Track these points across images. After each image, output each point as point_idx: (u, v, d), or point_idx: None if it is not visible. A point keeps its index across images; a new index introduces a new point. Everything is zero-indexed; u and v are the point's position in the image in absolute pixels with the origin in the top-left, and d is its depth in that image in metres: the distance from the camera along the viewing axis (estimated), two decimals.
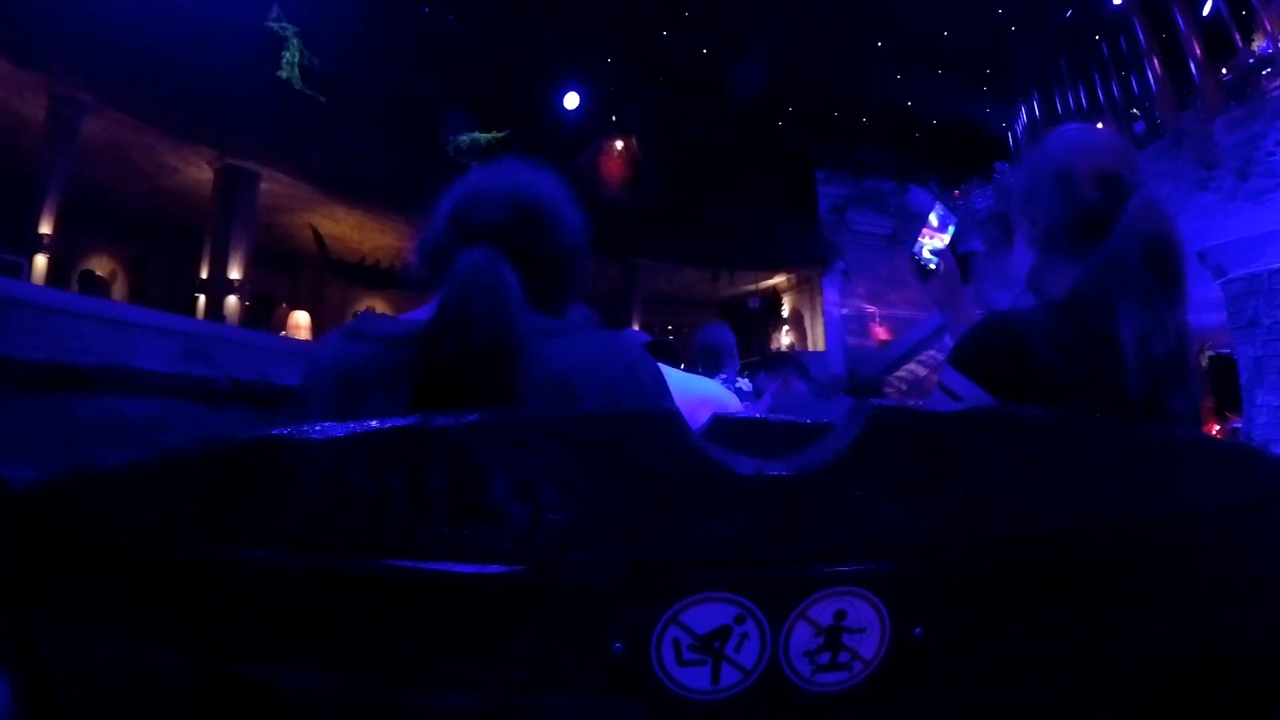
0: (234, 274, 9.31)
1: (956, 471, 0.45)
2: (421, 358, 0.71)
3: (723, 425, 0.53)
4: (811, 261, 15.99)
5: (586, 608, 0.48)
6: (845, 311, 16.02)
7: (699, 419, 0.52)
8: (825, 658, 0.45)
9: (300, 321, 10.97)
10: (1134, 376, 0.81)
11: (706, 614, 0.46)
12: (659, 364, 0.87)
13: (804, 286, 16.61)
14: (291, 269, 12.20)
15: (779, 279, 16.68)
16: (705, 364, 2.89)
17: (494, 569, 0.47)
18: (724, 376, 2.83)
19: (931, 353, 12.21)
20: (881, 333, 15.86)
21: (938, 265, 1.20)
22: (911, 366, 13.59)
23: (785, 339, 16.12)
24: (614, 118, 14.55)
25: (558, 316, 0.87)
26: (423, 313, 0.82)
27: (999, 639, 0.46)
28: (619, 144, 14.75)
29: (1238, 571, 0.50)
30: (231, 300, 9.29)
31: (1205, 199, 8.17)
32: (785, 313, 17.08)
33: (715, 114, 15.17)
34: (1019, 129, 13.73)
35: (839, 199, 17.08)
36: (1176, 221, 0.89)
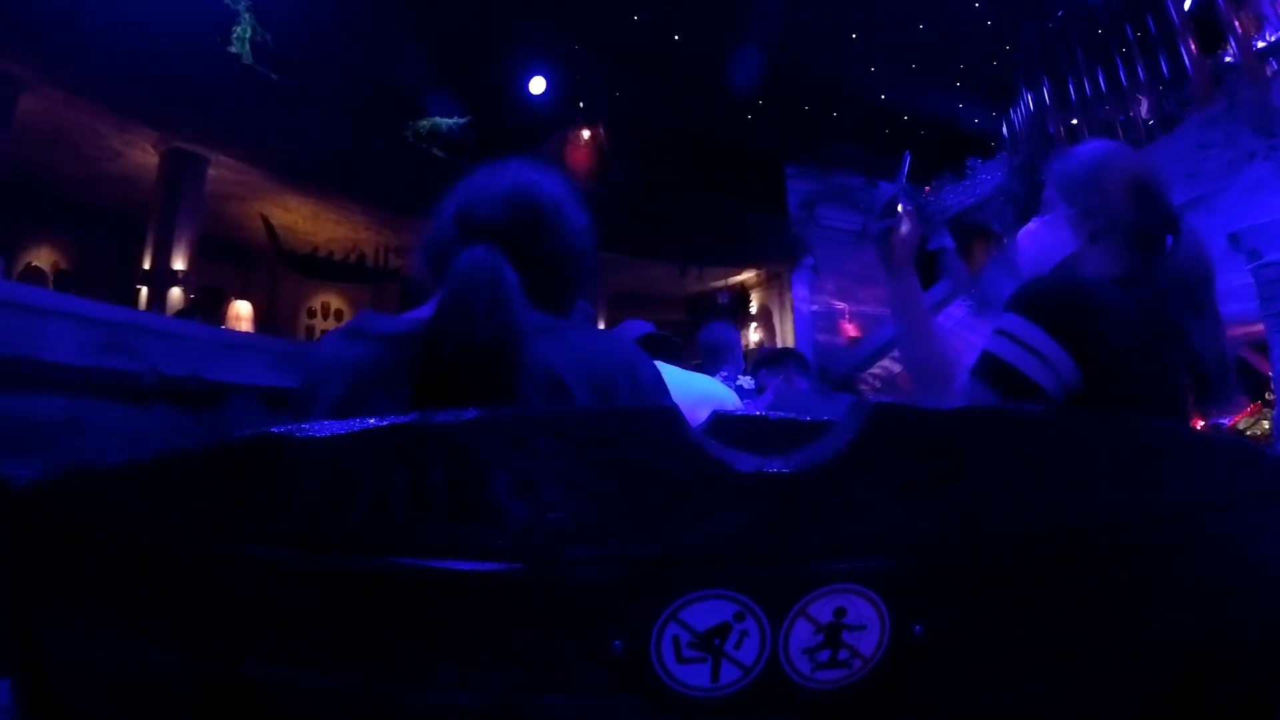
0: (178, 265, 9.03)
1: (957, 469, 0.47)
2: (421, 356, 0.73)
3: (722, 422, 0.55)
4: (780, 257, 16.12)
5: (586, 605, 0.48)
6: (815, 308, 16.22)
7: (699, 417, 0.53)
8: (825, 655, 0.47)
9: (242, 312, 10.62)
10: (1193, 381, 0.93)
11: (706, 611, 0.47)
12: (659, 360, 0.88)
13: (773, 283, 16.76)
14: (243, 262, 11.86)
15: (747, 275, 16.81)
16: (707, 361, 2.96)
17: (494, 567, 0.48)
18: (725, 374, 2.88)
19: (894, 355, 12.41)
20: (851, 330, 16.09)
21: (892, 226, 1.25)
22: (885, 363, 13.81)
23: (754, 336, 16.26)
24: (581, 104, 14.41)
25: (561, 316, 0.89)
26: (423, 311, 0.84)
27: (999, 637, 0.48)
28: (585, 133, 14.66)
29: (1239, 570, 0.53)
30: (175, 293, 9.01)
31: (1255, 172, 7.62)
32: (753, 309, 17.21)
33: (684, 105, 15.16)
34: (1018, 118, 13.85)
35: (808, 194, 17.27)
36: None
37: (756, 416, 0.55)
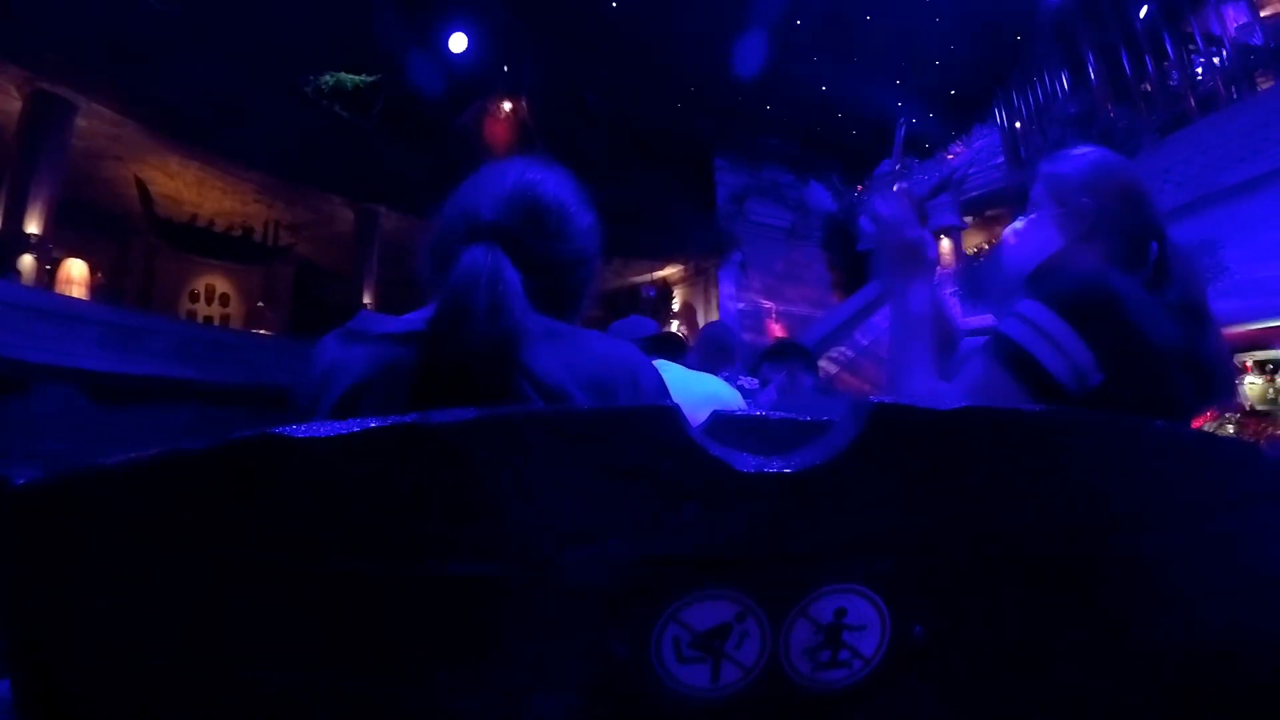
0: (32, 228, 8.33)
1: (957, 469, 0.51)
2: (420, 356, 0.76)
3: (723, 422, 0.57)
4: (707, 252, 16.31)
5: (586, 606, 0.51)
6: (741, 306, 16.54)
7: (701, 417, 0.56)
8: (825, 655, 0.50)
9: (74, 274, 9.66)
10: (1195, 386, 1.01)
11: (706, 612, 0.50)
12: (663, 359, 0.91)
13: (698, 279, 16.97)
14: (118, 235, 10.89)
15: (671, 270, 16.96)
16: (708, 361, 3.02)
17: (493, 568, 0.50)
18: (726, 374, 2.92)
19: (842, 349, 12.82)
20: (777, 330, 16.49)
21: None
22: (821, 363, 14.26)
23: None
24: (505, 68, 14.04)
25: (568, 320, 0.91)
26: (423, 312, 0.86)
27: (999, 637, 0.52)
28: (507, 105, 14.41)
29: (1239, 570, 0.58)
30: (27, 260, 8.29)
31: None
32: (676, 306, 17.39)
33: (614, 84, 15.11)
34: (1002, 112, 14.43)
35: (738, 188, 17.59)
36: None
37: (757, 416, 0.57)
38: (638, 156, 15.11)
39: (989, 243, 20.43)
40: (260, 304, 11.52)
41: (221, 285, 11.54)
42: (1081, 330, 0.95)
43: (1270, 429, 8.64)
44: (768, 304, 17.21)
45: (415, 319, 0.85)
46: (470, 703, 0.49)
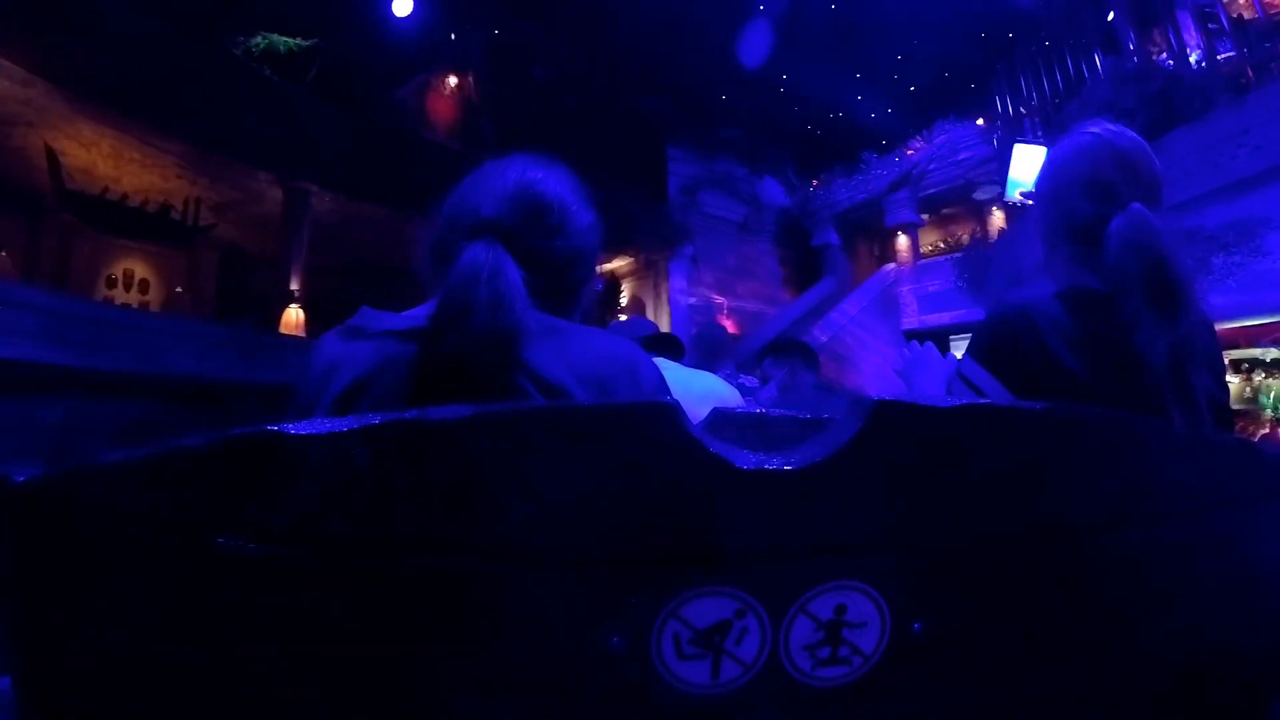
0: None
1: (957, 467, 0.54)
2: (421, 352, 0.79)
3: (723, 419, 0.59)
4: (658, 244, 16.28)
5: (586, 602, 0.52)
6: (692, 301, 16.63)
7: (701, 414, 0.58)
8: (825, 652, 0.53)
9: None
10: (1160, 388, 0.97)
11: (706, 608, 0.52)
12: (662, 358, 0.94)
13: (647, 272, 16.96)
14: (29, 215, 10.17)
15: (620, 262, 16.92)
16: (703, 359, 3.18)
17: (493, 564, 0.51)
18: (725, 373, 3.11)
19: None
20: (729, 326, 16.63)
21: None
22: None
23: None
24: (453, 35, 13.69)
25: (564, 316, 0.95)
26: (424, 308, 0.89)
27: (997, 634, 0.56)
28: (453, 80, 14.12)
29: (1237, 569, 0.63)
30: None
31: None
32: (624, 300, 17.37)
33: (565, 63, 14.97)
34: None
35: (690, 179, 17.67)
36: (1170, 237, 1.04)
37: (756, 413, 0.60)
38: (588, 142, 15.00)
39: (944, 241, 20.97)
40: (179, 289, 11.06)
41: (141, 270, 10.97)
42: (998, 374, 1.02)
43: (1251, 428, 8.86)
44: (719, 299, 17.35)
45: (417, 315, 0.88)
46: (471, 698, 0.51)
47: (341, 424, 0.51)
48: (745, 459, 0.54)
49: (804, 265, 20.96)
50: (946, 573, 0.54)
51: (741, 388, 2.97)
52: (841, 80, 17.62)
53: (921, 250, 19.89)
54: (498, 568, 0.52)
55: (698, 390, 2.01)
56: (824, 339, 13.12)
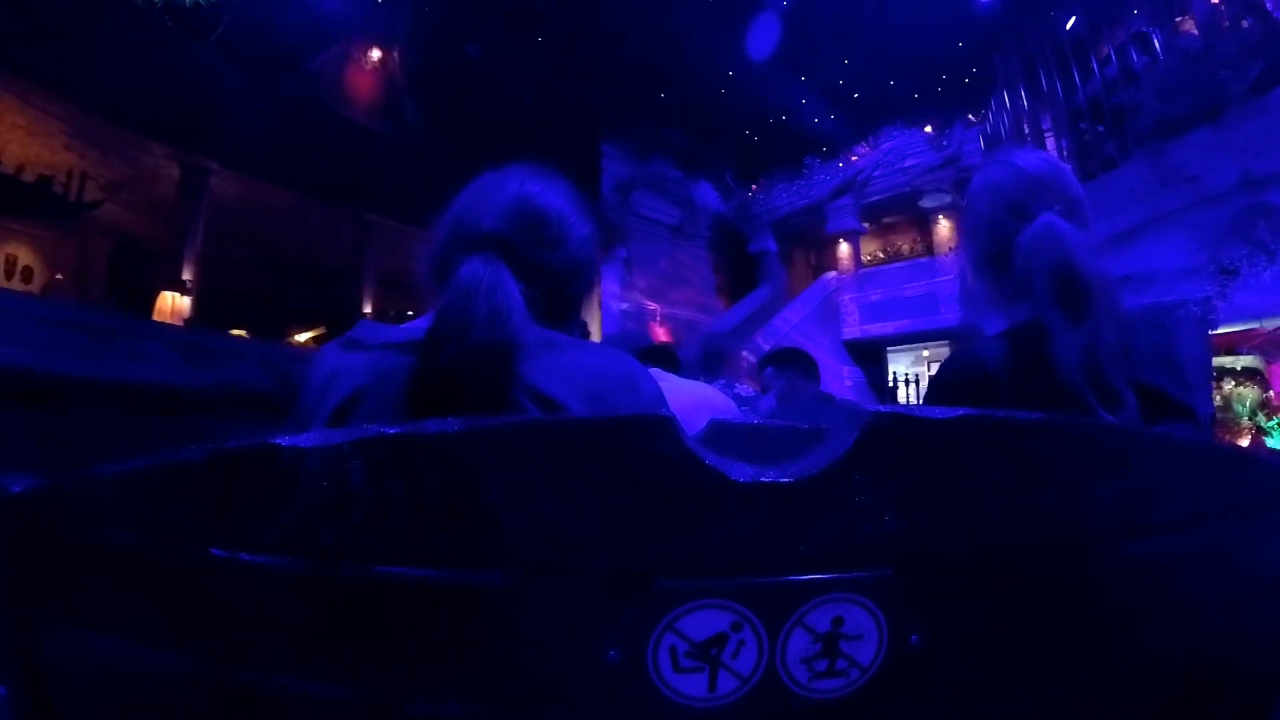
0: None
1: (954, 477, 0.58)
2: (418, 364, 0.83)
3: (720, 431, 0.62)
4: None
5: (582, 615, 0.55)
6: (625, 306, 16.72)
7: (696, 424, 0.61)
8: (822, 665, 0.56)
9: None
10: (1079, 390, 1.04)
11: (703, 621, 0.55)
12: (657, 369, 0.99)
13: None
14: None
15: None
16: (705, 369, 3.36)
17: (489, 576, 0.54)
18: (722, 382, 3.24)
19: (744, 354, 13.15)
20: (661, 334, 16.75)
21: None
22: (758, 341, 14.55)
23: None
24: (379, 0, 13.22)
25: (562, 328, 1.00)
26: (423, 321, 0.93)
27: (996, 646, 0.59)
28: (376, 53, 13.76)
29: (1236, 577, 0.67)
30: None
31: None
32: None
33: (498, 47, 14.80)
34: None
35: (624, 178, 17.79)
36: (1077, 240, 1.13)
37: (753, 424, 0.63)
38: (518, 132, 14.86)
39: (884, 251, 21.56)
40: (59, 277, 10.48)
41: (25, 256, 10.36)
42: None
43: (1226, 436, 9.14)
44: (652, 305, 17.49)
45: (416, 328, 0.92)
46: (465, 711, 0.53)
47: (336, 436, 0.53)
48: (742, 471, 0.57)
49: (738, 273, 21.29)
50: (944, 585, 0.58)
51: (738, 398, 3.14)
52: (786, 83, 17.95)
53: (861, 260, 20.43)
54: (494, 581, 0.54)
55: (693, 402, 2.11)
56: (767, 347, 13.35)
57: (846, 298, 18.82)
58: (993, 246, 1.23)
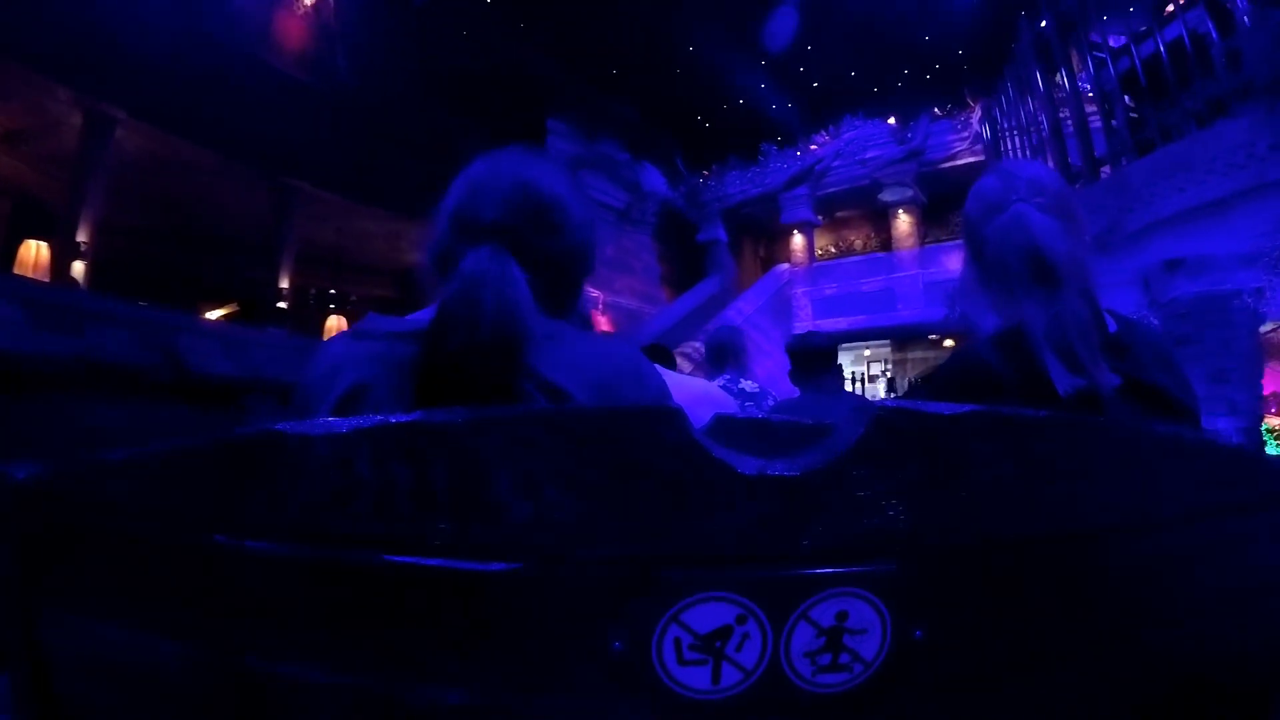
0: None
1: (959, 473, 0.62)
2: (424, 355, 0.86)
3: (726, 424, 0.65)
4: None
5: (587, 605, 0.58)
6: None
7: (697, 419, 0.64)
8: (826, 658, 0.59)
9: None
10: (1057, 372, 1.12)
11: (708, 613, 0.58)
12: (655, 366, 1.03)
13: None
14: None
15: None
16: (713, 363, 3.46)
17: (495, 565, 0.57)
18: (726, 378, 3.35)
19: (695, 344, 13.21)
20: (604, 323, 16.74)
21: None
22: (696, 344, 14.57)
23: None
24: None
25: (564, 315, 1.05)
26: (428, 311, 0.96)
27: (999, 641, 0.63)
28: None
29: (1238, 574, 0.72)
30: None
31: None
32: None
33: (446, 3, 14.41)
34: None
35: (571, 157, 17.71)
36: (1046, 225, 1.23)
37: (760, 419, 0.66)
38: (461, 98, 14.57)
39: (836, 246, 21.89)
40: None
41: None
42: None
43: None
44: (595, 293, 17.47)
45: (422, 319, 0.94)
46: (470, 699, 0.56)
47: (345, 425, 0.56)
48: (748, 464, 0.60)
49: (685, 263, 21.40)
50: (948, 580, 0.62)
51: (743, 392, 3.28)
52: (745, 64, 18.05)
53: (817, 253, 20.69)
54: (500, 570, 0.57)
55: (692, 397, 2.19)
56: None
57: (799, 291, 19.07)
58: (979, 244, 1.34)
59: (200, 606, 0.57)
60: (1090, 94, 9.04)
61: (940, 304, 16.50)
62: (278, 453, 0.56)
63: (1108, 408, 1.11)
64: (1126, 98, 8.38)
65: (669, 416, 0.60)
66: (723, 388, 3.21)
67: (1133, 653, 0.68)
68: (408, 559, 0.56)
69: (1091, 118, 8.98)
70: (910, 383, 18.01)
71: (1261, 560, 0.74)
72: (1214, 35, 6.98)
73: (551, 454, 0.58)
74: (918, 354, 19.75)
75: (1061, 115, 9.33)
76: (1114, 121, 8.40)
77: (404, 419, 0.58)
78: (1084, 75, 9.03)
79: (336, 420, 0.57)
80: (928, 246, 18.68)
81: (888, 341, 19.39)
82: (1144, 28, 8.07)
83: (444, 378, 0.85)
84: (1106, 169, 8.34)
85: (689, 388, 2.33)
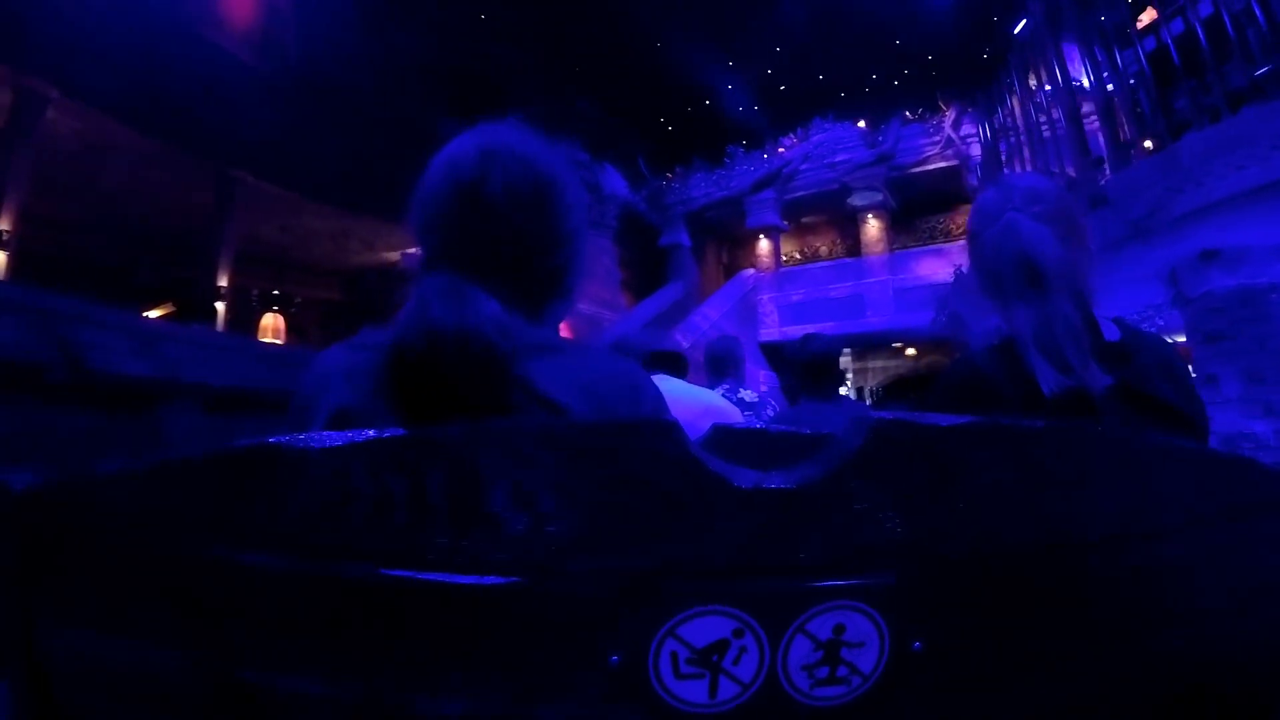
0: None
1: (956, 484, 0.64)
2: (390, 374, 0.85)
3: (722, 436, 0.68)
4: None
5: (584, 619, 0.60)
6: None
7: (699, 429, 0.66)
8: (824, 671, 0.61)
9: None
10: (1044, 373, 1.19)
11: (705, 627, 0.60)
12: (662, 374, 1.04)
13: None
14: None
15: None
16: (712, 373, 3.55)
17: (491, 579, 0.59)
18: (727, 386, 3.44)
19: None
20: (563, 330, 16.66)
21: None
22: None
23: None
24: None
25: (558, 302, 1.08)
26: None
27: (998, 652, 0.65)
28: None
29: (1236, 582, 0.74)
30: None
31: None
32: None
33: None
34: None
35: None
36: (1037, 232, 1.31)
37: (757, 430, 0.68)
38: (415, 87, 14.37)
39: (801, 251, 22.09)
40: None
41: None
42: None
43: None
44: None
45: None
46: (467, 711, 0.57)
47: (341, 438, 0.58)
48: (745, 477, 0.62)
49: (647, 268, 21.45)
50: (947, 591, 0.64)
51: (742, 402, 3.34)
52: (712, 64, 18.15)
53: (784, 259, 20.83)
54: (496, 583, 0.58)
55: (698, 408, 2.25)
56: (686, 344, 13.55)
57: (765, 297, 19.20)
58: (978, 253, 1.42)
59: (198, 618, 0.59)
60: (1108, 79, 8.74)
61: (910, 310, 16.72)
62: (274, 466, 0.58)
63: (1100, 410, 1.16)
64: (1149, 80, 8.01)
65: (665, 429, 0.61)
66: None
67: (1133, 664, 0.70)
68: (404, 572, 0.57)
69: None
70: (873, 391, 18.18)
71: (1260, 567, 0.76)
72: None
73: (548, 467, 0.60)
74: (878, 363, 20.00)
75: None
76: (1140, 108, 8.15)
77: (399, 433, 0.59)
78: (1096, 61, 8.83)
79: (333, 434, 0.59)
80: (897, 252, 18.94)
81: (848, 350, 19.58)
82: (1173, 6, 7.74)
83: (435, 391, 0.84)
84: (1147, 145, 8.02)
85: (695, 398, 2.40)
